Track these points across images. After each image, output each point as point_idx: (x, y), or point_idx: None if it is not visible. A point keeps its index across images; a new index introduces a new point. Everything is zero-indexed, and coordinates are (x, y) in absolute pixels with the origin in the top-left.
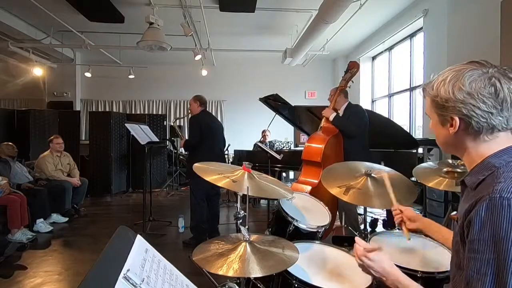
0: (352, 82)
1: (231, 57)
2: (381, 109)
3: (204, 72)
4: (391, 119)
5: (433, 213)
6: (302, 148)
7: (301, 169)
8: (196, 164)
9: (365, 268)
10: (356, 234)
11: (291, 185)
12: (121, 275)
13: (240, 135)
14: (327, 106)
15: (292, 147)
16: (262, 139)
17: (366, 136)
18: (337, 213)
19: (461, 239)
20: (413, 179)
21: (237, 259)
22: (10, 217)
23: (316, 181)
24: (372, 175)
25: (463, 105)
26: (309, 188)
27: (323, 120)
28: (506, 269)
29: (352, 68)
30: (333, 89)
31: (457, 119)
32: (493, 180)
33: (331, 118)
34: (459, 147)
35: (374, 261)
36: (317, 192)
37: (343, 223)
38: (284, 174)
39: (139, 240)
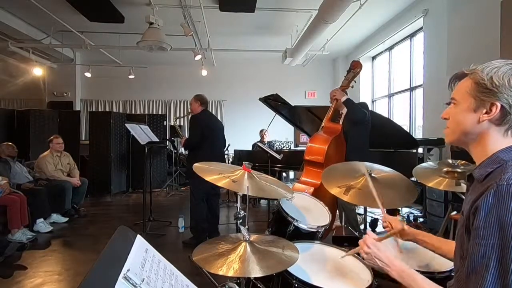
0: (355, 82)
1: (231, 57)
2: (381, 109)
3: (204, 72)
4: (391, 119)
5: (433, 213)
6: (302, 148)
7: (302, 169)
8: (196, 164)
9: (370, 259)
10: (356, 234)
11: (293, 186)
12: (121, 275)
13: (240, 135)
14: (327, 107)
15: (292, 147)
16: (260, 139)
17: (367, 135)
18: (337, 213)
19: (466, 230)
20: (413, 179)
21: (237, 259)
22: (10, 217)
23: (318, 182)
24: (372, 175)
25: None
26: (311, 189)
27: (324, 120)
28: (510, 254)
29: (355, 68)
30: (334, 90)
31: (499, 105)
32: (501, 171)
33: (343, 100)
34: (477, 138)
35: (381, 250)
36: (319, 192)
37: (343, 223)
38: (284, 174)
39: (139, 240)
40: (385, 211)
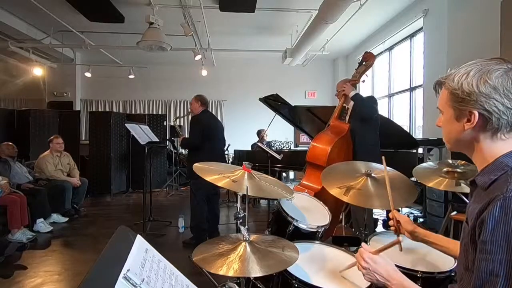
0: (366, 76)
1: (231, 57)
2: (381, 109)
3: (204, 72)
4: (391, 119)
5: (433, 213)
6: (302, 148)
7: (304, 171)
8: (196, 164)
9: (368, 274)
10: (356, 234)
11: (294, 188)
12: (121, 275)
13: (240, 135)
14: (327, 106)
15: (292, 147)
16: (260, 139)
17: (377, 133)
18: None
19: (472, 241)
20: (413, 179)
21: (237, 259)
22: (10, 217)
23: (319, 187)
24: (372, 175)
25: (486, 99)
26: (312, 193)
27: (332, 117)
28: None
29: (368, 60)
30: (341, 83)
31: (476, 114)
32: (506, 180)
33: (351, 95)
34: (471, 145)
35: (379, 263)
36: (320, 197)
37: (343, 223)
38: (284, 174)
39: (139, 240)
40: (394, 210)
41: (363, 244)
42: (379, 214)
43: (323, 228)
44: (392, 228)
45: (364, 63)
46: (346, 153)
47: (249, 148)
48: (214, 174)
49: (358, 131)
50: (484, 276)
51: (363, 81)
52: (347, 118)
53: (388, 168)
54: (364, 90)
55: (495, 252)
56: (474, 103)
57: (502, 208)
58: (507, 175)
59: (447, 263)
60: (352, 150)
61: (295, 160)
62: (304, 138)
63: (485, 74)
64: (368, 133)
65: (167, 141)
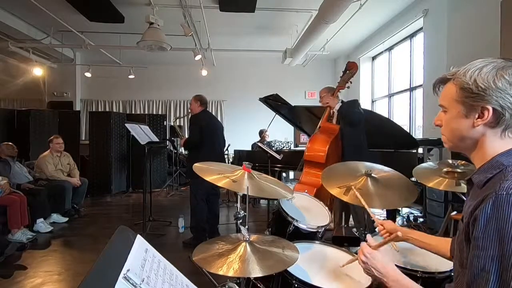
0: (351, 82)
1: (231, 57)
2: (381, 109)
3: (204, 72)
4: (391, 119)
5: (433, 213)
6: (302, 148)
7: (300, 169)
8: (196, 164)
9: (367, 269)
10: (356, 234)
11: (294, 186)
12: (121, 275)
13: (240, 135)
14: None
15: (292, 147)
16: (261, 139)
17: (363, 134)
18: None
19: (466, 238)
20: (413, 179)
21: (237, 259)
22: (10, 217)
23: (319, 181)
24: (372, 175)
25: (502, 95)
26: (314, 189)
27: (321, 121)
28: (510, 266)
29: (351, 69)
30: (324, 90)
31: (490, 109)
32: (500, 178)
33: (337, 108)
34: (475, 143)
35: (377, 259)
36: (320, 192)
37: (343, 223)
38: (284, 174)
39: (139, 240)
40: (375, 216)
41: (368, 236)
42: (379, 214)
43: (323, 228)
44: (380, 230)
45: (348, 71)
46: (337, 151)
47: (249, 148)
48: (214, 174)
49: (348, 133)
50: (476, 272)
51: (348, 87)
52: (334, 121)
53: (387, 168)
54: (364, 90)
55: (486, 248)
56: (489, 98)
57: (494, 205)
58: (501, 174)
59: (447, 263)
60: (341, 150)
61: (295, 160)
62: (304, 138)
63: (501, 69)
64: (354, 135)
65: (167, 141)
